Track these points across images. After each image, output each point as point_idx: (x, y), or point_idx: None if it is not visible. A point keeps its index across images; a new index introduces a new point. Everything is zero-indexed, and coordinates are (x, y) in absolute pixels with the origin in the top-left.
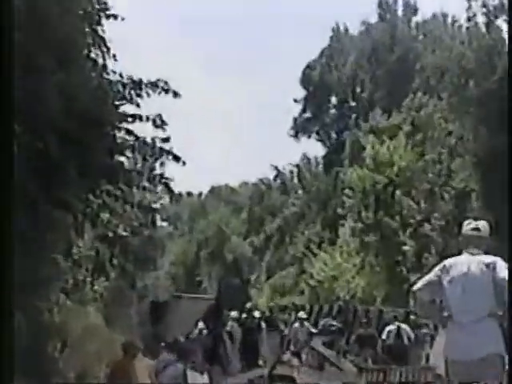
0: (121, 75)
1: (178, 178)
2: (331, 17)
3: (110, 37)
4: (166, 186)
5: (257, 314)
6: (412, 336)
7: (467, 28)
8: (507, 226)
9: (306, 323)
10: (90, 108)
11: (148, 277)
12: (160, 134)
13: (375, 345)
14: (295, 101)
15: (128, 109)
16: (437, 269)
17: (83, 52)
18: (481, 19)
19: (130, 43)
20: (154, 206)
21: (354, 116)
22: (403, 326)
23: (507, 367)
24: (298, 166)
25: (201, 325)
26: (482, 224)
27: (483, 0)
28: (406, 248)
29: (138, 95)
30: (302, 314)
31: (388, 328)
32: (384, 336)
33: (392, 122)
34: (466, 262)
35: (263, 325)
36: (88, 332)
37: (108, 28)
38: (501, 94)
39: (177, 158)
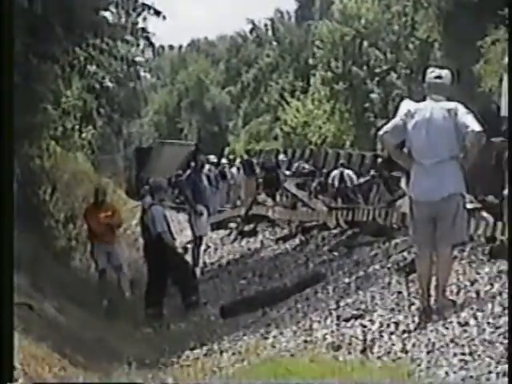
0: None
1: (160, 33)
2: None
3: None
4: (148, 39)
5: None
6: (355, 179)
7: None
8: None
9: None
10: None
11: (133, 125)
12: None
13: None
14: None
15: None
16: (402, 113)
17: None
18: None
19: None
20: (137, 59)
21: None
22: (346, 171)
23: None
24: (271, 19)
25: (179, 171)
26: (445, 72)
27: None
28: (373, 95)
29: None
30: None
31: (333, 173)
32: (330, 180)
33: None
34: (430, 108)
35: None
36: (76, 177)
37: None
38: None
39: (157, 13)
